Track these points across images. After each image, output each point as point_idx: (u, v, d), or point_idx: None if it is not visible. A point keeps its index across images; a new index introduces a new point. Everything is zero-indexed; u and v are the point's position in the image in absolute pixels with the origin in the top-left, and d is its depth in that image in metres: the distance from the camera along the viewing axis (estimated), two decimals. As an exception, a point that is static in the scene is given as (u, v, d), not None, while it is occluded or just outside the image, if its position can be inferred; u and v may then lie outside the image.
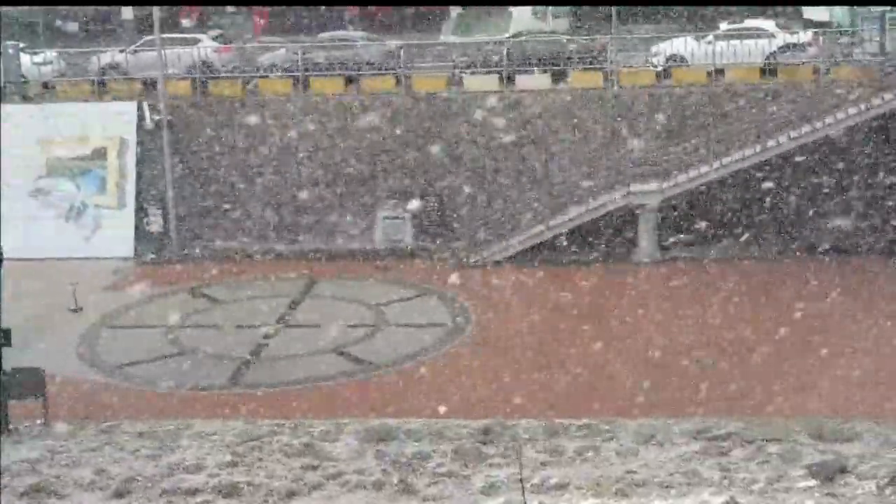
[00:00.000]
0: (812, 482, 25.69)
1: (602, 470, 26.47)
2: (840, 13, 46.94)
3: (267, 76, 45.08)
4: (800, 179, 41.12)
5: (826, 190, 41.14)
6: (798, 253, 40.62)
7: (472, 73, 44.03)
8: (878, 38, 42.82)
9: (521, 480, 25.58)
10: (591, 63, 43.75)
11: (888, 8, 42.74)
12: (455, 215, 42.60)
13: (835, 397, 30.72)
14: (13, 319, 30.92)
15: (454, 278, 39.72)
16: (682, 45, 44.27)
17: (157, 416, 30.15)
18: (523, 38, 45.52)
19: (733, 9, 46.94)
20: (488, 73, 43.91)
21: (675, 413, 29.37)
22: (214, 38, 47.33)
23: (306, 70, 44.75)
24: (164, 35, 43.76)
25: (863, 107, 40.16)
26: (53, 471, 27.53)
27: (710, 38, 43.55)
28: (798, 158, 40.69)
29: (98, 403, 31.24)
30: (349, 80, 44.46)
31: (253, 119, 43.43)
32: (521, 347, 33.87)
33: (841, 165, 41.02)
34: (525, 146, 42.52)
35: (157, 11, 43.46)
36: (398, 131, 42.83)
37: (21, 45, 46.88)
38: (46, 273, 39.97)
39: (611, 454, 27.17)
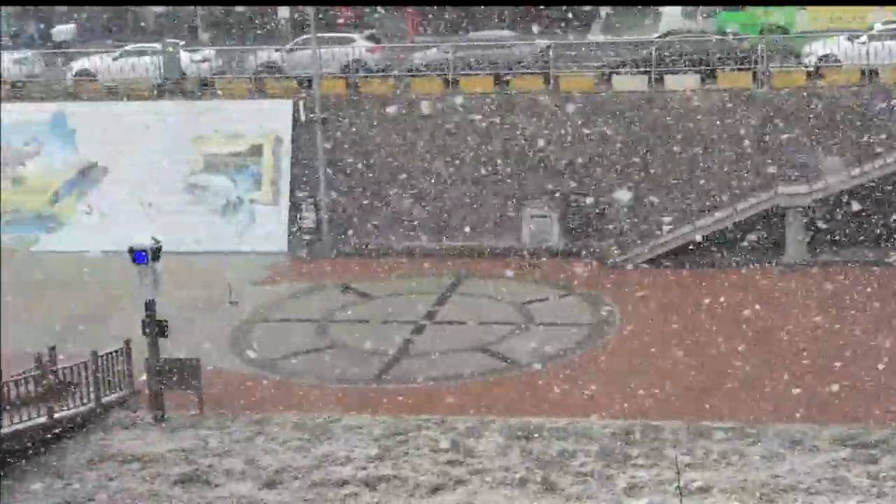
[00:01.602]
0: (963, 491, 25.32)
1: (747, 474, 26.43)
2: None
3: (418, 75, 45.59)
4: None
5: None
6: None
7: (621, 73, 43.96)
8: None
9: (678, 487, 25.56)
10: (740, 63, 43.42)
11: None
12: (602, 215, 42.61)
13: None
14: (170, 311, 31.98)
15: (599, 278, 39.83)
16: (835, 45, 43.69)
17: (307, 409, 30.80)
18: (673, 37, 45.32)
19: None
20: (637, 72, 43.82)
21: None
22: (368, 38, 47.99)
23: (456, 69, 45.19)
24: (320, 34, 44.55)
25: None
26: (206, 460, 28.40)
27: (864, 38, 42.90)
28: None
29: (250, 395, 31.97)
30: (498, 79, 44.76)
31: (404, 117, 43.98)
32: (666, 348, 33.68)
33: None
34: (673, 146, 42.36)
35: (312, 11, 44.29)
36: (546, 130, 42.99)
37: (181, 42, 48.10)
38: (201, 267, 40.97)
39: (756, 458, 27.10)
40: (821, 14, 48.11)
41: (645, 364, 32.86)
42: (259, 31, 53.33)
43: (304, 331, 36.55)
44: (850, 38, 43.57)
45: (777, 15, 48.88)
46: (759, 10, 49.18)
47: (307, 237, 43.93)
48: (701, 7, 49.38)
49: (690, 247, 40.69)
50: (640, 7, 48.38)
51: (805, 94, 42.02)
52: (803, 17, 48.36)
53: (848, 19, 47.40)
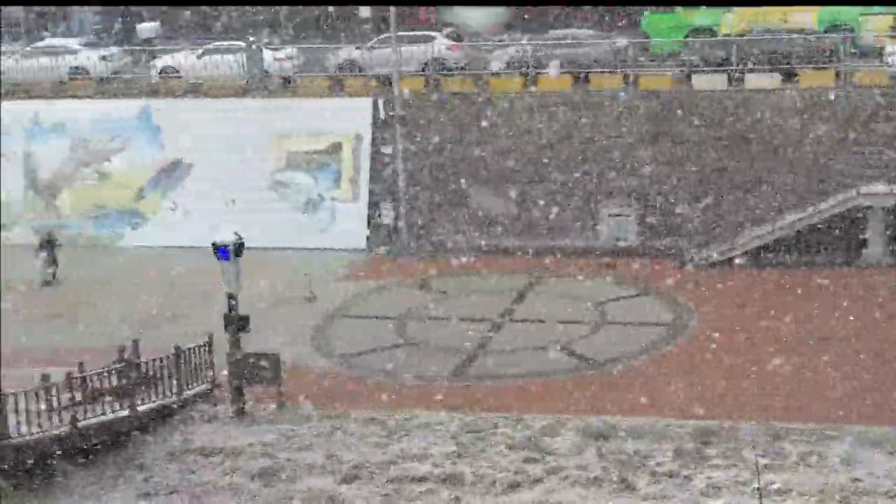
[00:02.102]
0: None
1: (826, 476, 26.24)
2: None
3: (497, 73, 45.73)
4: None
5: None
6: None
7: (701, 72, 43.80)
8: None
9: (758, 488, 25.48)
10: (822, 62, 43.12)
11: None
12: (680, 214, 42.48)
13: None
14: (252, 306, 32.41)
15: (677, 277, 39.73)
16: (918, 45, 43.29)
17: (385, 405, 31.04)
18: (753, 37, 45.05)
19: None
20: (717, 71, 43.65)
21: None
22: (447, 36, 48.17)
23: (535, 67, 45.28)
24: (400, 33, 44.80)
25: None
26: (285, 454, 28.74)
27: (949, 37, 42.52)
28: None
29: (328, 391, 32.25)
30: (577, 78, 44.77)
31: (482, 115, 44.13)
32: (742, 349, 33.61)
33: None
34: (753, 145, 42.14)
35: (393, 10, 44.56)
36: (624, 129, 42.95)
37: (264, 40, 48.61)
38: (284, 263, 41.46)
39: (835, 460, 26.90)
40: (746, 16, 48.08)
41: (722, 364, 32.76)
42: (340, 30, 53.65)
43: (383, 327, 36.80)
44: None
45: (702, 16, 48.91)
46: (685, 11, 49.40)
47: (386, 234, 44.25)
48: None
49: (769, 246, 40.49)
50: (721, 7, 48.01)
51: (886, 94, 41.60)
52: (729, 19, 48.08)
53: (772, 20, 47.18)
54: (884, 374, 31.47)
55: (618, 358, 33.66)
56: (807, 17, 47.62)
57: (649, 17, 49.79)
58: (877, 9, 45.36)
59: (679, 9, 49.28)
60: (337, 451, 28.72)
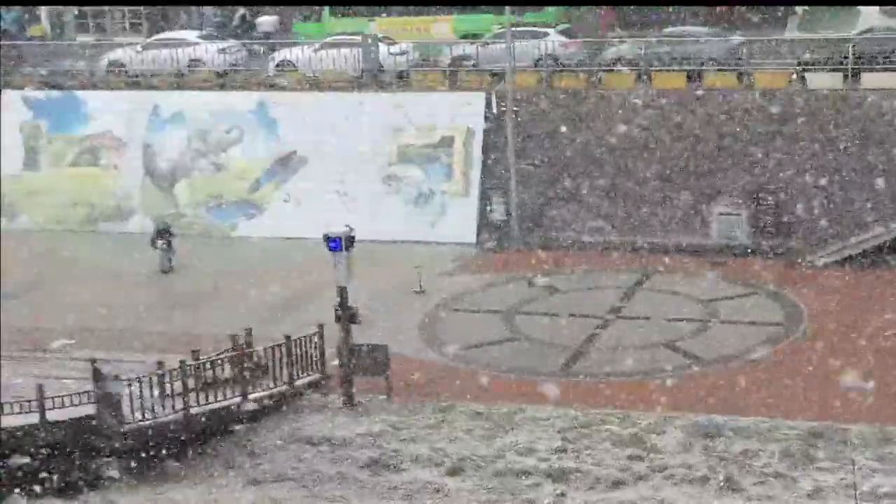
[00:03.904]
0: None
1: (935, 481, 26.05)
2: None
3: (611, 70, 45.74)
4: None
5: None
6: None
7: (817, 70, 43.37)
8: None
9: (854, 488, 25.35)
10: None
11: None
12: (793, 214, 42.11)
13: None
14: (362, 298, 32.89)
15: (788, 277, 39.44)
16: None
17: (492, 399, 31.29)
18: (873, 34, 44.53)
19: None
20: (833, 70, 43.20)
21: None
22: (561, 32, 48.25)
23: (649, 64, 45.22)
24: (514, 28, 44.97)
25: None
26: (393, 445, 29.14)
27: None
28: None
29: (436, 383, 32.59)
30: (691, 76, 44.63)
31: (595, 111, 44.17)
32: (854, 350, 33.25)
33: None
34: (869, 146, 41.65)
35: (508, 7, 44.78)
36: (738, 128, 42.71)
37: (379, 35, 49.11)
38: (394, 255, 41.95)
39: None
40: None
41: (833, 365, 32.37)
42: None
43: (491, 321, 37.04)
44: None
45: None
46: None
47: (496, 229, 44.49)
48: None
49: (883, 249, 40.04)
50: (835, 6, 47.52)
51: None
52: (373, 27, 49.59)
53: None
54: None
55: (726, 357, 33.54)
56: (444, 26, 50.72)
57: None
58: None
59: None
60: (443, 443, 29.04)
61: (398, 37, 49.84)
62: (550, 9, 50.99)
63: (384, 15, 51.68)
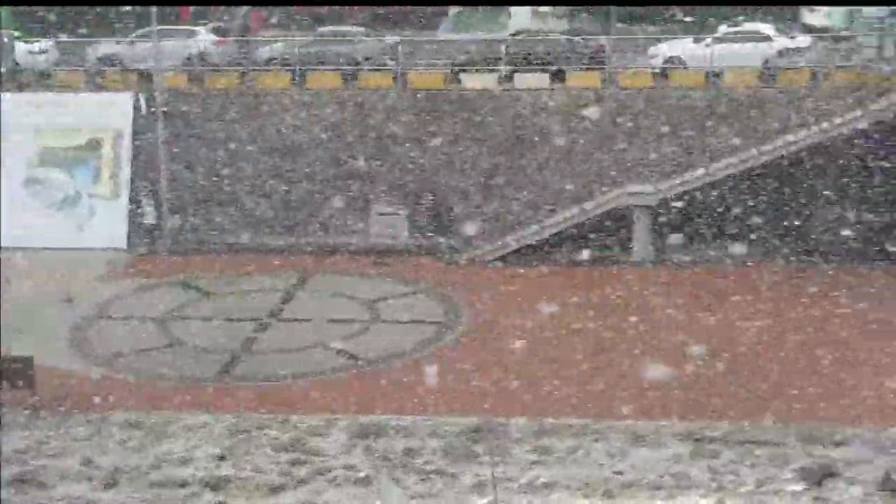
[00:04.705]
0: (800, 486, 25.71)
1: (590, 470, 26.49)
2: (838, 18, 46.88)
3: (265, 70, 44.94)
4: (797, 184, 40.97)
5: (823, 196, 40.96)
6: (795, 257, 40.33)
7: (470, 71, 43.84)
8: (876, 44, 42.67)
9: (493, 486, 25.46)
10: (589, 63, 43.63)
11: (887, 13, 42.68)
12: (451, 213, 42.46)
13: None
14: (4, 308, 30.98)
15: (448, 276, 39.67)
16: (681, 47, 44.19)
17: (147, 408, 30.02)
18: (523, 36, 45.37)
19: (733, 12, 46.74)
20: (486, 71, 43.75)
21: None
22: (212, 31, 47.16)
23: (304, 64, 44.66)
24: (162, 27, 43.60)
25: (860, 112, 40.02)
26: (40, 461, 27.46)
27: (709, 40, 43.44)
28: (796, 163, 40.58)
29: (87, 394, 30.96)
30: (346, 76, 44.34)
31: (249, 112, 43.33)
32: (512, 346, 33.57)
33: (839, 171, 40.85)
34: (522, 145, 42.36)
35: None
36: (395, 128, 42.70)
37: (16, 33, 46.74)
38: (39, 263, 39.77)
39: (600, 455, 27.20)
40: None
41: (492, 361, 32.70)
42: (100, 24, 52.04)
43: (144, 328, 35.71)
44: (695, 41, 44.08)
45: None
46: None
47: (148, 233, 43.07)
48: (551, 7, 49.52)
49: (540, 245, 40.77)
50: (489, 7, 48.26)
51: (652, 95, 42.36)
52: None
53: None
54: (643, 370, 31.86)
55: (388, 356, 33.31)
56: None
57: None
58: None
59: None
60: (95, 456, 27.55)
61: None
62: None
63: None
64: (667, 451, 27.32)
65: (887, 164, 40.58)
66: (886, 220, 40.67)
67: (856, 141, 40.38)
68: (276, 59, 45.34)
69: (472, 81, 43.43)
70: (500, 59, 43.75)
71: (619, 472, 26.38)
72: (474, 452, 27.36)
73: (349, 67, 44.56)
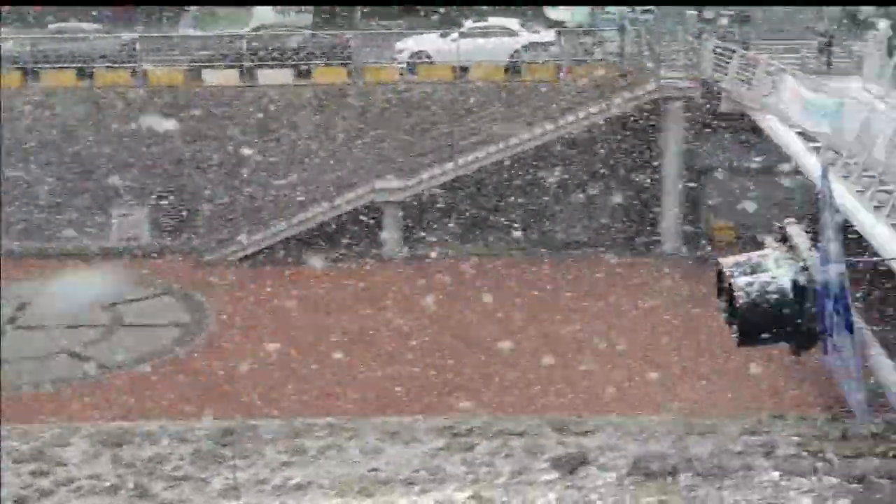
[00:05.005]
0: (554, 474, 25.86)
1: (345, 469, 26.26)
2: (580, 14, 47.60)
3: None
4: (543, 177, 41.35)
5: (567, 188, 41.46)
6: (542, 250, 40.69)
7: (212, 68, 42.82)
8: (617, 39, 43.47)
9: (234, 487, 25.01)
10: (335, 59, 43.15)
11: (628, 9, 43.56)
12: (196, 213, 41.40)
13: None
14: None
15: (194, 277, 38.77)
16: (427, 42, 44.10)
17: None
18: (265, 32, 44.56)
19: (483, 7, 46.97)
20: (229, 67, 42.82)
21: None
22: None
23: (36, 62, 42.81)
24: None
25: (604, 105, 40.69)
26: None
27: (455, 35, 43.46)
28: (543, 156, 40.98)
29: None
30: (82, 74, 42.70)
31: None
32: (261, 346, 33.03)
33: (582, 163, 41.41)
34: (269, 143, 41.63)
35: None
36: (134, 126, 41.34)
37: None
38: None
39: (355, 453, 26.95)
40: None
41: (242, 362, 31.98)
42: None
43: None
44: (442, 36, 44.05)
45: None
46: None
47: None
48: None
49: (290, 243, 40.17)
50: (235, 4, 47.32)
51: (399, 90, 42.15)
52: None
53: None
54: (400, 366, 31.71)
55: (132, 361, 32.32)
56: None
57: None
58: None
59: None
60: None
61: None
62: None
63: None
64: (422, 446, 27.25)
65: (628, 157, 41.36)
66: (626, 211, 41.43)
67: (598, 134, 41.03)
68: (5, 56, 43.14)
69: (215, 78, 42.44)
70: (243, 55, 42.81)
71: (375, 469, 26.17)
72: (224, 456, 26.76)
73: (85, 65, 42.86)
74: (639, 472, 25.85)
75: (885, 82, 35.80)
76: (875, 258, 21.52)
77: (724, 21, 45.65)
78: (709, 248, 38.51)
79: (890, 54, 37.19)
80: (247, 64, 42.74)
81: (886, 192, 25.46)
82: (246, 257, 40.05)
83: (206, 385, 30.80)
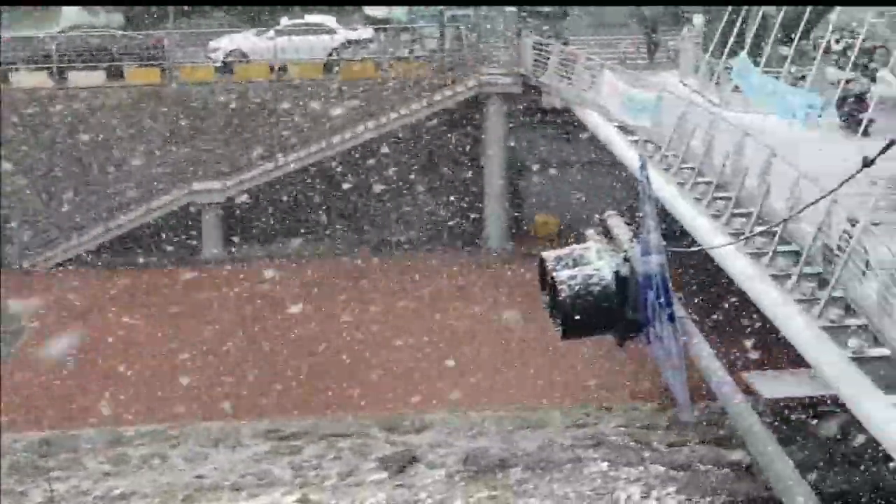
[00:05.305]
0: (383, 474, 25.71)
1: (170, 477, 25.94)
2: (399, 11, 47.36)
3: None
4: (366, 176, 41.00)
5: (390, 186, 41.18)
6: (366, 249, 40.35)
7: (21, 70, 41.41)
8: (437, 36, 43.39)
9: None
10: (148, 59, 42.16)
11: (447, 7, 43.53)
12: (9, 220, 39.92)
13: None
14: None
15: (6, 284, 37.28)
16: (242, 40, 43.38)
17: None
18: (75, 32, 43.28)
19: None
20: (38, 68, 41.47)
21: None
22: None
23: None
24: None
25: (424, 103, 40.57)
26: None
27: (271, 33, 42.86)
28: (365, 155, 40.67)
29: None
30: None
31: None
32: (82, 355, 32.16)
33: (406, 162, 41.19)
34: (81, 146, 40.43)
35: None
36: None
37: None
38: None
39: (179, 460, 26.64)
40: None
41: (58, 373, 30.98)
42: None
43: None
44: (257, 34, 43.40)
45: None
46: None
47: None
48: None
49: (105, 247, 39.19)
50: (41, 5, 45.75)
51: (215, 89, 41.40)
52: None
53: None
54: (227, 371, 31.14)
55: None
56: None
57: None
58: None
59: None
60: None
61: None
62: None
63: None
64: (247, 451, 26.94)
65: (453, 154, 41.33)
66: (451, 208, 41.35)
67: (423, 132, 40.90)
68: None
69: (25, 80, 41.07)
70: (51, 56, 41.49)
71: (200, 476, 25.73)
72: (43, 468, 25.99)
73: None
74: (469, 468, 25.81)
75: (700, 76, 36.59)
76: (694, 247, 21.75)
77: (544, 17, 45.93)
78: (534, 242, 38.52)
79: (705, 49, 37.87)
80: (57, 65, 41.46)
81: (706, 183, 25.86)
82: (62, 263, 38.86)
83: (24, 396, 29.72)
